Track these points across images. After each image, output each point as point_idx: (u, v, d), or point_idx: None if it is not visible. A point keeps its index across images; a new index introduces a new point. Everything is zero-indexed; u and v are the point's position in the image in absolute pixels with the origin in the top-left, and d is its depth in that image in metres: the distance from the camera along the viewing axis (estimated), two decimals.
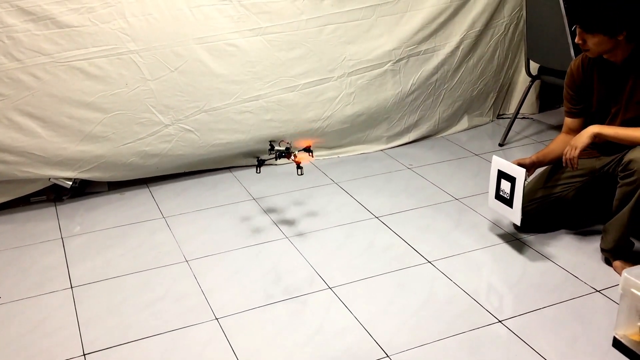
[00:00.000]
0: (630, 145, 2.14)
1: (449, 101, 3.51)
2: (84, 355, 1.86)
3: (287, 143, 2.52)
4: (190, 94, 2.87)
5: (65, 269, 2.33)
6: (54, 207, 2.82)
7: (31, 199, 2.84)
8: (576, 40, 2.16)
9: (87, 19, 2.59)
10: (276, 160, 2.57)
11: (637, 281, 1.73)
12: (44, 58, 2.56)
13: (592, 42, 2.11)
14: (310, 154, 2.53)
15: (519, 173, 2.25)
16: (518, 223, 2.30)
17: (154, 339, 1.92)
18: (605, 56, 2.18)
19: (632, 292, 1.75)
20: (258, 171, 2.62)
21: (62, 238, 2.56)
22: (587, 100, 2.32)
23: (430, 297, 2.10)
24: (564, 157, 2.22)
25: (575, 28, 2.18)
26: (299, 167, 2.49)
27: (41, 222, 2.69)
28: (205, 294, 2.14)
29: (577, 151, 2.16)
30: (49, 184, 2.79)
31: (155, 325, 1.98)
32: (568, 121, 2.42)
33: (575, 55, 2.69)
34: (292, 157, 2.50)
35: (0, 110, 2.54)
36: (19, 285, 2.22)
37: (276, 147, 2.53)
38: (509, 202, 2.31)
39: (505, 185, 2.32)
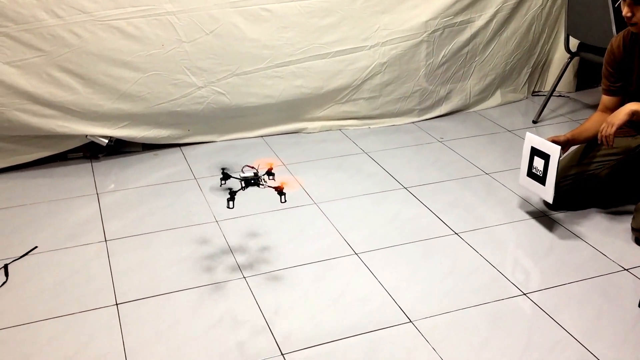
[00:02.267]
0: None
1: (480, 74, 3.47)
2: (117, 304, 1.92)
3: (252, 168, 2.22)
4: (223, 57, 2.89)
5: (100, 223, 2.39)
6: (90, 164, 2.89)
7: (68, 155, 2.91)
8: (624, 12, 2.10)
9: None
10: (243, 190, 2.25)
11: None
12: (84, 16, 2.60)
13: None
14: (272, 177, 2.22)
15: (554, 150, 2.22)
16: (550, 201, 2.29)
17: (184, 293, 1.98)
18: None
19: None
20: (231, 206, 2.22)
21: (97, 194, 2.62)
22: (626, 78, 2.28)
23: (455, 268, 2.12)
24: (599, 134, 2.19)
25: (619, 3, 2.13)
26: (281, 194, 2.20)
27: (77, 177, 2.76)
28: (234, 253, 2.19)
29: (614, 128, 2.13)
30: (85, 141, 2.85)
31: (185, 279, 2.04)
32: (605, 99, 2.38)
33: (617, 32, 2.63)
34: (263, 183, 2.19)
35: (40, 66, 2.60)
36: (55, 236, 2.30)
37: (242, 175, 2.21)
38: (541, 179, 2.30)
39: (538, 163, 2.30)
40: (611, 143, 2.17)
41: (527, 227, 2.37)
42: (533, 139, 2.33)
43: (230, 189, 2.12)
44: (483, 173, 2.80)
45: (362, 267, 2.12)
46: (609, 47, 2.31)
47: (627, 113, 2.12)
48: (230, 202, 2.10)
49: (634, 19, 2.09)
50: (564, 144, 2.31)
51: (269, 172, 2.14)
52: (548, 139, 2.29)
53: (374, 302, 1.94)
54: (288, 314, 1.89)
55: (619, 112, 2.14)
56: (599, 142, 2.22)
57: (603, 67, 2.34)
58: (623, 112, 2.13)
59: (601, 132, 2.18)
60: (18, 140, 2.75)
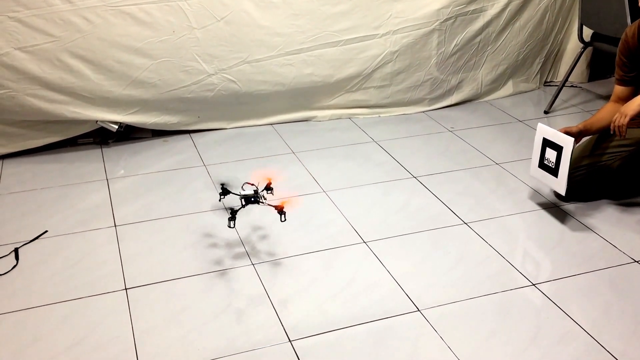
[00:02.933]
0: None
1: (492, 64, 3.44)
2: (126, 289, 1.93)
3: (252, 184, 2.06)
4: (235, 45, 2.88)
5: (110, 208, 2.40)
6: (100, 150, 2.90)
7: (78, 140, 2.93)
8: None
9: None
10: (243, 207, 2.06)
11: None
12: (95, 1, 2.60)
13: None
14: (271, 191, 2.09)
15: (567, 142, 2.19)
16: (563, 193, 2.26)
17: (193, 278, 1.99)
18: None
19: None
20: (232, 225, 2.03)
21: (107, 179, 2.64)
22: (639, 68, 2.26)
23: (463, 257, 2.11)
24: (612, 124, 2.17)
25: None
26: (281, 213, 2.05)
27: (87, 163, 2.78)
28: (242, 239, 2.19)
29: (627, 119, 2.11)
30: (96, 127, 2.86)
31: (194, 265, 2.05)
32: (618, 89, 2.35)
33: (632, 22, 2.60)
34: (262, 200, 2.04)
35: (51, 51, 2.60)
36: (65, 221, 2.31)
37: (242, 193, 2.04)
38: (553, 171, 2.27)
39: (551, 154, 2.28)
40: (624, 133, 2.15)
41: (537, 218, 2.36)
42: (545, 130, 2.31)
43: (231, 208, 2.06)
44: (493, 163, 2.79)
45: (370, 256, 2.11)
46: (623, 36, 2.29)
47: None
48: (232, 222, 2.02)
49: None
50: (577, 135, 2.29)
51: (268, 188, 2.06)
52: (560, 130, 2.26)
53: (382, 291, 1.94)
54: (296, 302, 1.89)
55: (632, 103, 2.12)
56: (611, 132, 2.20)
57: (617, 56, 2.32)
58: (636, 103, 2.11)
59: (614, 122, 2.16)
60: (28, 125, 2.76)
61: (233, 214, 2.05)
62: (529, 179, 2.62)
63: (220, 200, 2.16)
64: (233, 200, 2.18)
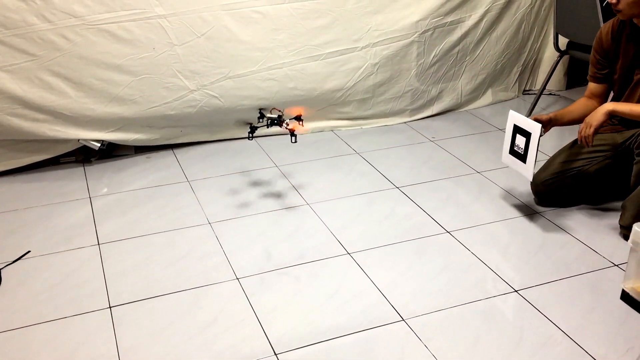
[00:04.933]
0: None
1: (471, 74, 3.49)
2: (110, 307, 1.92)
3: (279, 111, 2.48)
4: (216, 60, 2.89)
5: (93, 226, 2.40)
6: (83, 168, 2.89)
7: (61, 159, 2.92)
8: None
9: None
10: (268, 127, 2.51)
11: None
12: (74, 20, 2.60)
13: (626, 1, 2.08)
14: (301, 122, 2.48)
15: (535, 128, 2.23)
16: (530, 178, 2.31)
17: (177, 295, 1.98)
18: (635, 20, 2.17)
19: None
20: (250, 138, 2.56)
21: (89, 197, 2.63)
22: (612, 65, 2.31)
23: (447, 266, 2.13)
24: (578, 135, 2.22)
25: (607, 2, 2.16)
26: (292, 134, 2.45)
27: (70, 181, 2.77)
28: (227, 255, 2.20)
29: (592, 129, 2.15)
30: (78, 145, 2.86)
31: (178, 282, 2.04)
32: (591, 86, 2.41)
33: None
34: (285, 125, 2.46)
35: (31, 70, 2.60)
36: (48, 241, 2.30)
37: (267, 115, 2.49)
38: (522, 157, 2.31)
39: (520, 140, 2.31)
40: (591, 143, 2.19)
41: (518, 225, 2.38)
42: (516, 117, 2.34)
43: (250, 123, 2.56)
44: (475, 172, 2.82)
45: (354, 267, 2.13)
46: (597, 34, 2.34)
47: (604, 113, 2.15)
48: (250, 134, 2.53)
49: (619, 6, 2.11)
50: (546, 123, 2.30)
51: (298, 118, 2.47)
52: (531, 118, 2.29)
53: (367, 301, 1.95)
54: (281, 314, 1.89)
55: (596, 113, 2.17)
56: (579, 142, 2.24)
57: (591, 53, 2.37)
58: (600, 113, 2.15)
59: (580, 132, 2.20)
60: (10, 144, 2.75)
61: (253, 129, 2.52)
62: (510, 187, 2.65)
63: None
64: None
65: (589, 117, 2.19)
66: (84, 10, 2.61)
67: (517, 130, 2.32)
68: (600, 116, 2.15)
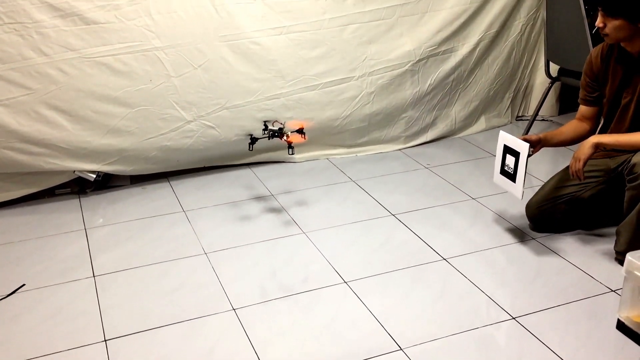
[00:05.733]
0: (633, 150, 2.15)
1: (464, 101, 3.53)
2: (105, 341, 1.91)
3: (281, 123, 2.55)
4: (213, 91, 2.92)
5: (88, 258, 2.39)
6: (78, 200, 2.89)
7: (56, 191, 2.92)
8: (597, 23, 2.16)
9: (113, 15, 2.66)
10: (269, 139, 2.60)
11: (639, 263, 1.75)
12: (71, 53, 2.64)
13: (612, 26, 2.12)
14: (303, 135, 2.55)
15: (523, 147, 2.25)
16: (520, 197, 2.31)
17: (173, 327, 1.97)
18: (622, 44, 2.20)
19: (636, 275, 1.78)
20: (250, 149, 2.67)
21: (85, 229, 2.62)
22: (602, 88, 2.34)
23: (444, 293, 2.12)
24: (570, 170, 2.24)
25: (597, 29, 2.19)
26: (290, 146, 2.54)
27: (65, 213, 2.77)
28: (223, 285, 2.19)
29: (581, 164, 2.17)
30: (73, 176, 2.86)
31: (173, 313, 2.03)
32: (582, 109, 2.43)
33: None
34: (285, 138, 2.53)
35: (27, 104, 2.62)
36: (42, 274, 2.29)
37: (270, 127, 2.57)
38: (512, 176, 2.33)
39: (510, 160, 2.33)
40: (582, 178, 2.21)
41: (514, 251, 2.38)
42: (506, 137, 2.37)
43: (251, 135, 2.67)
44: (469, 197, 2.83)
45: (351, 295, 2.12)
46: (588, 57, 2.38)
47: (591, 146, 2.17)
48: (251, 145, 2.65)
49: (606, 30, 2.14)
50: (536, 143, 2.32)
51: (300, 131, 2.53)
52: (521, 137, 2.31)
53: (364, 330, 1.94)
54: (278, 344, 1.88)
55: (583, 146, 2.19)
56: (571, 177, 2.25)
57: (582, 76, 2.40)
58: (587, 146, 2.18)
59: (571, 168, 2.23)
60: (4, 177, 2.75)
61: (253, 140, 2.63)
62: (506, 213, 2.66)
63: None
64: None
65: (576, 151, 2.21)
66: (81, 44, 2.64)
67: (507, 150, 2.35)
68: (587, 149, 2.17)
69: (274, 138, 2.58)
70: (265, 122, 2.63)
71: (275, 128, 2.53)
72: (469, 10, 3.31)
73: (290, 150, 2.54)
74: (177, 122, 2.90)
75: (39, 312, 2.06)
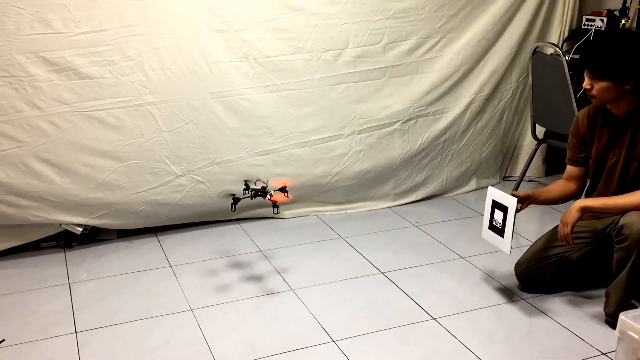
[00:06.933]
0: (620, 213, 2.17)
1: (456, 162, 3.57)
2: None
3: (263, 182, 2.51)
4: (204, 146, 2.94)
5: (71, 314, 2.34)
6: (63, 253, 2.85)
7: (41, 244, 2.88)
8: (584, 84, 2.21)
9: (107, 71, 2.70)
10: (252, 199, 2.55)
11: (633, 324, 1.74)
12: (64, 107, 2.65)
13: (599, 87, 2.16)
14: (286, 194, 2.51)
15: (511, 202, 2.27)
16: (508, 252, 2.31)
17: None
18: (608, 106, 2.24)
19: (629, 335, 1.75)
20: (233, 209, 2.61)
21: (69, 284, 2.58)
22: (589, 149, 2.37)
23: (433, 354, 2.09)
24: (558, 235, 2.25)
25: (582, 92, 2.25)
26: (275, 205, 2.48)
27: (49, 267, 2.72)
28: (209, 343, 2.14)
29: (569, 228, 2.19)
30: (59, 229, 2.83)
31: None
32: (569, 169, 2.46)
33: None
34: (268, 197, 2.48)
35: (17, 156, 2.62)
36: (24, 329, 2.23)
37: (252, 187, 2.53)
38: (500, 231, 2.33)
39: (498, 215, 2.34)
40: (572, 243, 2.23)
41: (503, 311, 2.36)
42: (494, 193, 2.39)
43: (234, 195, 2.61)
44: (459, 257, 2.82)
45: (339, 355, 2.07)
46: (575, 118, 2.42)
47: (578, 210, 2.19)
48: (233, 206, 2.60)
49: (593, 91, 2.19)
50: (524, 199, 2.34)
51: (283, 189, 2.50)
52: (509, 193, 2.33)
53: None
54: None
55: (570, 211, 2.21)
56: (560, 241, 2.27)
57: (569, 137, 2.45)
58: (574, 211, 2.20)
59: (559, 232, 2.24)
60: None
61: (236, 200, 2.58)
62: (495, 272, 2.65)
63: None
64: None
65: (563, 216, 2.23)
66: (74, 97, 2.66)
67: (496, 205, 2.37)
68: (574, 214, 2.19)
69: (257, 197, 2.52)
70: (246, 181, 2.59)
71: (258, 187, 2.50)
72: (457, 74, 3.40)
73: (275, 209, 2.50)
74: (168, 177, 2.90)
75: None
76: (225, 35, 2.88)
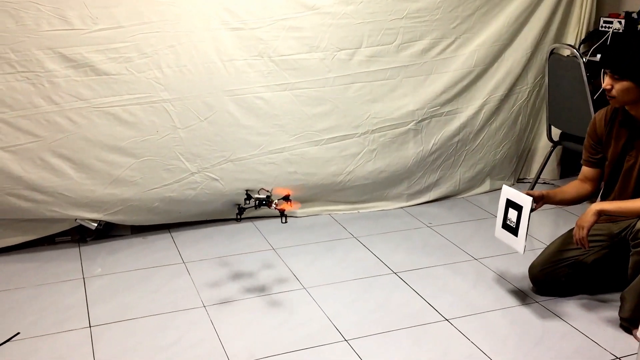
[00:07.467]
0: (635, 216, 2.15)
1: (470, 163, 3.55)
2: None
3: (267, 191, 2.49)
4: (218, 144, 2.95)
5: (85, 308, 2.35)
6: (78, 248, 2.87)
7: (56, 238, 2.90)
8: (604, 85, 2.19)
9: (124, 67, 2.71)
10: (256, 208, 2.50)
11: None
12: (80, 103, 2.67)
13: (620, 88, 2.14)
14: (290, 202, 2.47)
15: (526, 201, 2.25)
16: (522, 252, 2.29)
17: None
18: (627, 107, 2.22)
19: None
20: (239, 219, 2.54)
21: (83, 278, 2.59)
22: (605, 151, 2.35)
23: (445, 356, 2.08)
24: (574, 238, 2.23)
25: (598, 94, 2.23)
26: (282, 214, 2.45)
27: (64, 262, 2.74)
28: (222, 341, 2.14)
29: (585, 231, 2.17)
30: (74, 224, 2.85)
31: None
32: (585, 170, 2.45)
33: None
34: (274, 206, 2.45)
35: (34, 151, 2.64)
36: (38, 323, 2.25)
37: (255, 196, 2.49)
38: (514, 230, 2.31)
39: (512, 214, 2.32)
40: (587, 246, 2.21)
41: (517, 314, 2.35)
42: (508, 191, 2.37)
43: (239, 204, 2.55)
44: (472, 258, 2.81)
45: (351, 354, 2.07)
46: (592, 119, 2.40)
47: (594, 214, 2.17)
48: (238, 215, 2.53)
49: (613, 92, 2.17)
50: (538, 199, 2.32)
51: (286, 198, 2.46)
52: (523, 192, 2.31)
53: None
54: None
55: (586, 215, 2.19)
56: (575, 244, 2.25)
57: (585, 138, 2.43)
58: (589, 214, 2.18)
59: (575, 236, 2.23)
60: (4, 223, 2.75)
61: (241, 210, 2.52)
62: (509, 274, 2.63)
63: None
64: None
65: (579, 219, 2.22)
66: (91, 94, 2.68)
67: (510, 204, 2.35)
68: (590, 217, 2.17)
69: (262, 207, 2.48)
70: (247, 191, 2.55)
71: (262, 196, 2.47)
72: (472, 74, 3.38)
73: (283, 218, 2.46)
74: (182, 174, 2.91)
75: None
76: (240, 34, 2.89)
